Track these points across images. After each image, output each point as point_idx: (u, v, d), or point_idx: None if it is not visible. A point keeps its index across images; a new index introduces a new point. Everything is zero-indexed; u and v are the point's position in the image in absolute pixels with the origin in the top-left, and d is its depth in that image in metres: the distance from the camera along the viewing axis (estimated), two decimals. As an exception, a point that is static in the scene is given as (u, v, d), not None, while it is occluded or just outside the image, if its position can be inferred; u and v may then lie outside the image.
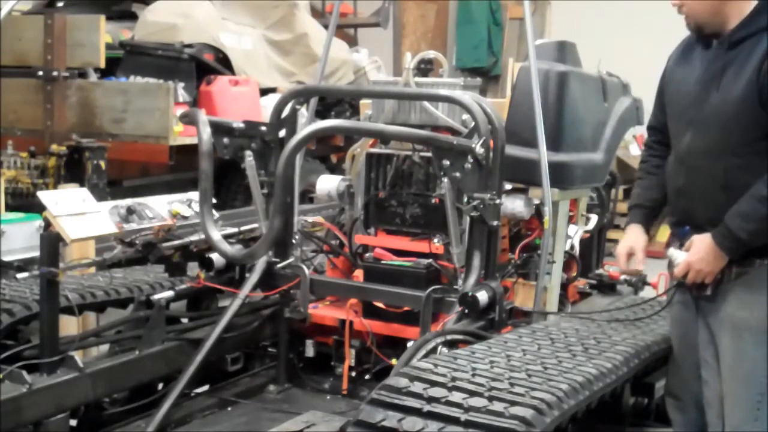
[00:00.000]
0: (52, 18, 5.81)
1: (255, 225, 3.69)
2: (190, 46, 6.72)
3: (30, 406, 2.81)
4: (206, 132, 3.23)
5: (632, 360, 2.97)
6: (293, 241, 3.65)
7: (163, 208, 3.43)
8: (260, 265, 3.57)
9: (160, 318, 3.32)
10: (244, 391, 3.53)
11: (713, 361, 3.00)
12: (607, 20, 9.84)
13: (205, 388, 3.59)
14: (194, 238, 3.48)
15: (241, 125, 3.53)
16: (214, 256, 3.50)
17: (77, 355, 3.03)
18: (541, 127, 3.56)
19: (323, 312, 3.62)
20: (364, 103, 3.93)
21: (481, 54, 11.34)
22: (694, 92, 2.98)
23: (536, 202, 3.70)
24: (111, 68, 6.41)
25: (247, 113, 6.13)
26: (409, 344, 3.08)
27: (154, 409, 3.15)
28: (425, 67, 3.69)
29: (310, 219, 3.95)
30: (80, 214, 3.04)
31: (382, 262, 3.59)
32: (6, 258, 4.14)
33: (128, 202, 3.31)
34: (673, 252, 3.01)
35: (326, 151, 8.21)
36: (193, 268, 3.60)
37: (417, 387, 2.40)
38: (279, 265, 3.58)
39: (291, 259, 3.61)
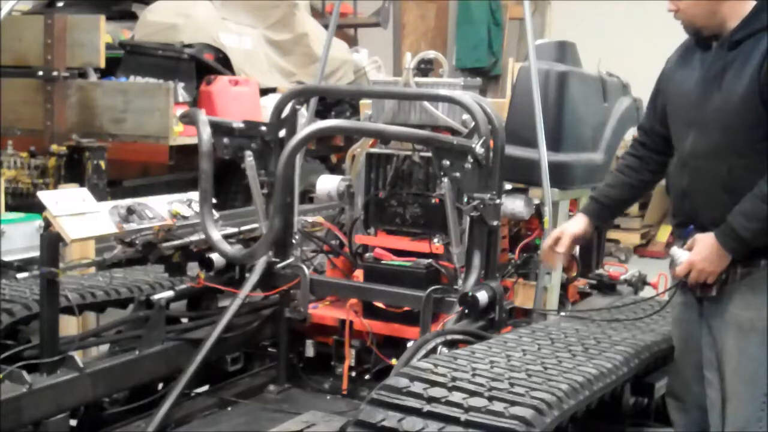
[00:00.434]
0: (52, 18, 5.81)
1: (255, 225, 3.69)
2: (190, 46, 6.72)
3: (30, 406, 2.81)
4: (206, 132, 3.23)
5: (632, 360, 2.97)
6: (293, 241, 3.65)
7: (163, 208, 3.42)
8: (260, 265, 3.57)
9: (160, 318, 3.32)
10: (244, 391, 3.53)
11: (716, 361, 2.99)
12: (607, 20, 9.84)
13: (205, 388, 3.58)
14: (194, 238, 3.48)
15: (241, 125, 3.53)
16: (214, 256, 3.50)
17: (77, 355, 3.03)
18: (541, 127, 3.56)
19: (323, 312, 3.62)
20: (364, 103, 3.93)
21: (481, 54, 11.34)
22: (695, 94, 2.98)
23: (536, 202, 3.71)
24: (111, 68, 6.41)
25: (247, 113, 6.12)
26: (409, 344, 3.08)
27: (154, 409, 3.15)
28: (425, 67, 3.69)
29: (310, 219, 3.95)
30: (80, 214, 3.04)
31: (382, 262, 3.59)
32: (6, 258, 4.14)
33: (128, 202, 3.31)
34: (676, 251, 3.00)
35: (326, 151, 8.21)
36: (193, 268, 3.60)
37: (417, 387, 2.40)
38: (279, 265, 3.58)
39: (291, 259, 3.61)
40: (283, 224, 3.30)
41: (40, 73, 5.81)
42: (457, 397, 2.36)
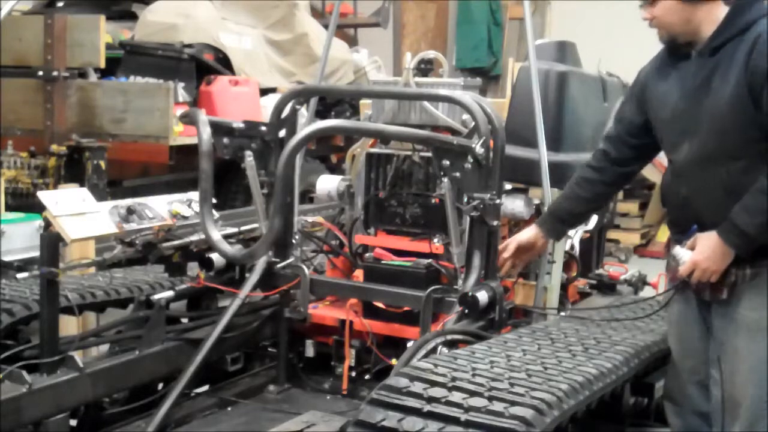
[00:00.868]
0: (52, 18, 5.82)
1: (255, 225, 3.69)
2: (190, 46, 6.72)
3: (30, 406, 2.81)
4: (206, 132, 3.23)
5: (632, 360, 2.97)
6: (293, 241, 3.65)
7: (163, 208, 3.42)
8: (260, 265, 3.57)
9: (160, 318, 3.32)
10: (244, 391, 3.53)
11: (723, 359, 2.99)
12: (607, 20, 9.82)
13: (205, 388, 3.58)
14: (194, 238, 3.48)
15: (241, 125, 3.53)
16: (214, 256, 3.50)
17: (77, 355, 3.03)
18: (541, 127, 3.56)
19: (323, 312, 3.62)
20: (364, 103, 3.93)
21: (481, 54, 11.34)
22: (683, 104, 2.97)
23: (536, 202, 3.70)
24: (111, 68, 6.41)
25: (247, 113, 6.13)
26: (409, 344, 3.08)
27: (154, 409, 3.15)
28: (425, 67, 3.69)
29: (310, 219, 3.95)
30: (80, 214, 3.04)
31: (382, 262, 3.59)
32: (6, 258, 4.14)
33: (128, 202, 3.31)
34: (678, 251, 2.99)
35: (326, 151, 8.21)
36: (193, 268, 3.60)
37: (417, 387, 2.40)
38: (279, 265, 3.58)
39: (291, 259, 3.60)
40: (283, 224, 3.30)
41: (40, 73, 5.81)
42: (457, 397, 2.36)
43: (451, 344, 2.95)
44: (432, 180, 3.58)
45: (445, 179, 3.25)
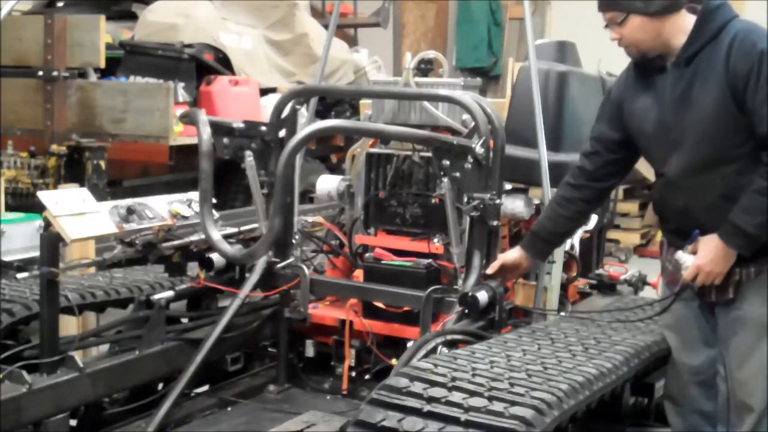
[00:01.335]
0: (52, 18, 5.81)
1: (255, 225, 3.69)
2: (190, 46, 6.72)
3: (30, 406, 2.81)
4: (206, 132, 3.23)
5: (632, 360, 2.97)
6: (293, 241, 3.65)
7: (163, 208, 3.42)
8: (260, 265, 3.57)
9: (160, 318, 3.32)
10: (244, 391, 3.53)
11: (728, 358, 3.00)
12: (607, 20, 9.82)
13: (205, 388, 3.58)
14: (194, 238, 3.48)
15: (241, 125, 3.53)
16: (214, 256, 3.50)
17: (77, 355, 3.03)
18: (541, 127, 3.56)
19: (323, 312, 3.62)
20: (364, 103, 3.93)
21: (481, 54, 11.34)
22: (665, 117, 2.97)
23: (536, 202, 3.70)
24: (111, 68, 6.41)
25: (247, 113, 6.13)
26: (409, 344, 3.08)
27: (154, 409, 3.15)
28: (425, 67, 3.69)
29: (310, 219, 3.95)
30: (80, 214, 3.04)
31: (382, 262, 3.59)
32: (6, 258, 4.14)
33: (128, 202, 3.31)
34: (681, 255, 2.98)
35: (326, 151, 8.21)
36: (193, 268, 3.60)
37: (417, 387, 2.40)
38: (279, 265, 3.58)
39: (291, 259, 3.61)
40: (283, 224, 3.30)
41: (40, 73, 5.81)
42: (457, 397, 2.36)
43: (451, 344, 2.95)
44: (432, 180, 3.58)
45: (445, 179, 3.25)
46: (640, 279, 4.54)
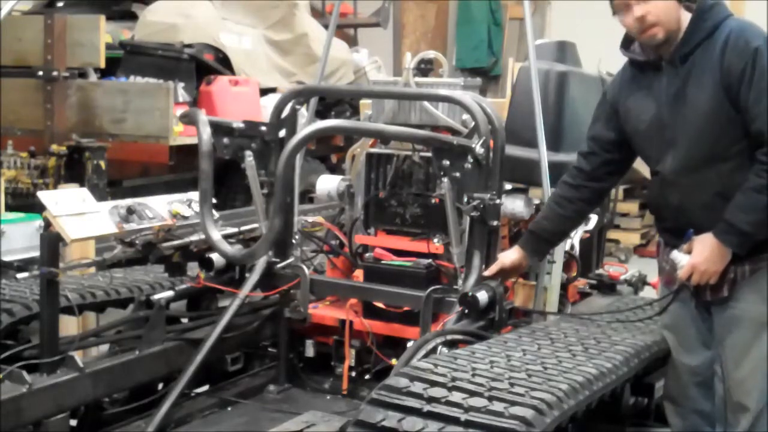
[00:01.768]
0: (52, 18, 5.81)
1: (255, 225, 3.69)
2: (190, 46, 6.72)
3: (30, 406, 2.81)
4: (206, 132, 3.23)
5: (632, 360, 2.97)
6: (293, 241, 3.65)
7: (163, 208, 3.42)
8: (260, 265, 3.57)
9: (160, 318, 3.32)
10: (244, 391, 3.53)
11: (724, 357, 3.00)
12: (607, 20, 9.80)
13: (205, 388, 3.59)
14: (194, 238, 3.48)
15: (241, 125, 3.53)
16: (214, 256, 3.49)
17: (77, 355, 3.03)
18: (541, 127, 3.56)
19: (323, 312, 3.62)
20: (364, 103, 3.93)
21: (481, 54, 11.34)
22: (661, 115, 2.97)
23: (536, 202, 3.70)
24: (111, 68, 6.41)
25: (247, 113, 6.12)
26: (409, 344, 3.08)
27: (154, 409, 3.15)
28: (425, 67, 3.69)
29: (310, 219, 3.95)
30: (80, 214, 3.04)
31: (382, 262, 3.59)
32: (6, 258, 4.14)
33: (128, 202, 3.31)
34: (676, 255, 2.99)
35: (326, 151, 8.21)
36: (193, 268, 3.60)
37: (417, 387, 2.40)
38: (279, 265, 3.58)
39: (291, 259, 3.60)
40: (283, 224, 3.30)
41: (40, 73, 5.81)
42: (457, 397, 2.36)
43: (451, 344, 2.95)
44: (432, 180, 3.58)
45: (445, 179, 3.25)
46: (640, 279, 4.54)
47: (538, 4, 10.42)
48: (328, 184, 3.83)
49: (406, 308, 3.41)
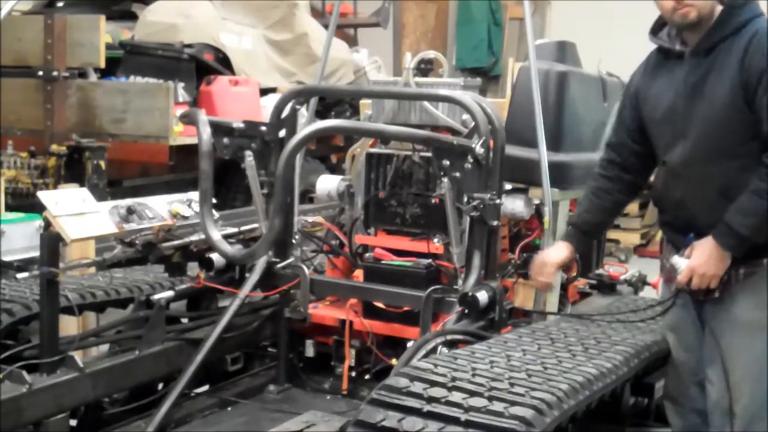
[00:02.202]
0: (52, 18, 5.81)
1: (255, 225, 3.69)
2: (190, 46, 6.72)
3: (30, 406, 2.81)
4: (206, 132, 3.23)
5: (632, 360, 2.97)
6: (293, 241, 3.65)
7: (163, 208, 3.42)
8: (260, 265, 3.57)
9: (160, 318, 3.32)
10: (244, 391, 3.53)
11: (718, 361, 2.99)
12: (607, 20, 9.82)
13: (205, 388, 3.58)
14: (194, 238, 3.48)
15: (241, 125, 3.53)
16: (214, 256, 3.49)
17: (77, 355, 3.03)
18: (541, 127, 3.56)
19: (323, 312, 3.62)
20: (364, 103, 3.93)
21: (481, 54, 11.34)
22: (678, 104, 2.97)
23: (536, 202, 3.70)
24: (111, 68, 6.41)
25: (247, 113, 6.12)
26: (409, 344, 3.08)
27: (154, 409, 3.15)
28: (425, 67, 3.69)
29: (310, 219, 3.95)
30: (80, 214, 3.04)
31: (382, 262, 3.59)
32: (6, 258, 4.14)
33: (128, 202, 3.31)
34: (676, 260, 2.99)
35: (326, 151, 8.21)
36: (193, 268, 3.60)
37: (417, 387, 2.40)
38: (279, 265, 3.58)
39: (291, 259, 3.60)
40: (283, 224, 3.30)
41: (40, 73, 5.81)
42: (457, 397, 2.36)
43: (451, 344, 2.95)
44: (432, 180, 3.58)
45: (445, 179, 3.25)
46: (640, 279, 4.54)
47: (538, 4, 10.42)
48: (328, 184, 3.83)
49: (406, 308, 3.41)
